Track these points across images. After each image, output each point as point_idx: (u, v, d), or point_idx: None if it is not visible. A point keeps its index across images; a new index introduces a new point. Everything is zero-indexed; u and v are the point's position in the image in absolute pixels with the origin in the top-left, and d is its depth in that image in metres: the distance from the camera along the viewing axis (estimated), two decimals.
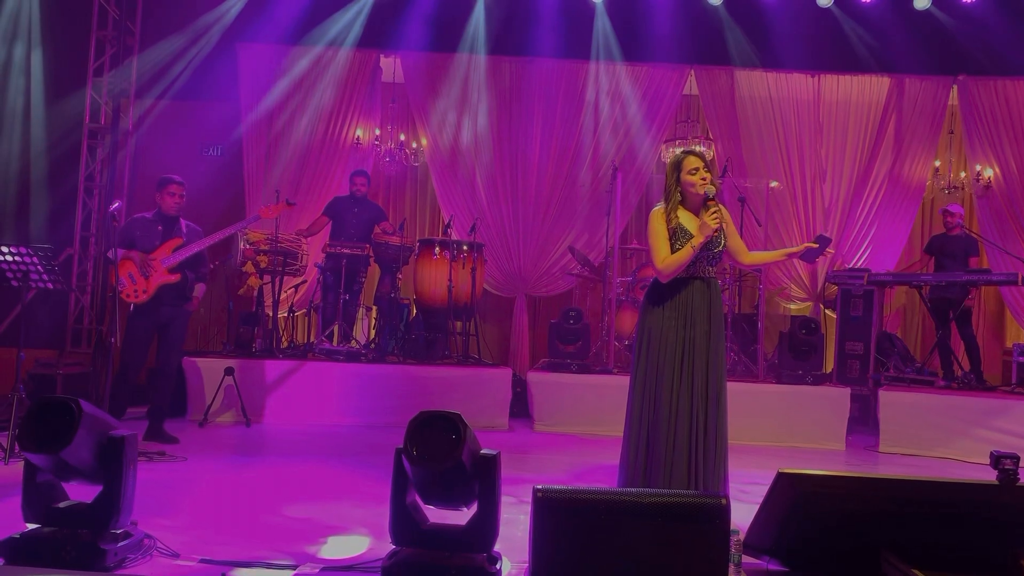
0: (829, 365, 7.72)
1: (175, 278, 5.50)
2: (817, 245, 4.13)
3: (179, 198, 5.62)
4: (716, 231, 3.82)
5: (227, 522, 3.71)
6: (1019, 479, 2.68)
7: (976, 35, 8.11)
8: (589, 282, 8.41)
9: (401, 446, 2.79)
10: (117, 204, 5.31)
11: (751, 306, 8.24)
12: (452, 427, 2.76)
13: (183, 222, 5.69)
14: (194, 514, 3.82)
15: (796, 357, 6.94)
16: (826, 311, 8.36)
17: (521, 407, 7.28)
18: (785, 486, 2.83)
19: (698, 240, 3.84)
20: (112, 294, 5.06)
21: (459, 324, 7.55)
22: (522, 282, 8.52)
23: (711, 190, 3.90)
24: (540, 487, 2.79)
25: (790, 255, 4.31)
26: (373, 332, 7.65)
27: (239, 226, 5.86)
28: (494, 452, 2.90)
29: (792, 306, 8.55)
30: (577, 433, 6.65)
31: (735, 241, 4.12)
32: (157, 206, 5.66)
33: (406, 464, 2.78)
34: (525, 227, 8.42)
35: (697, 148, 8.10)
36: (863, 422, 7.21)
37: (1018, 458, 2.69)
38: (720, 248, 3.99)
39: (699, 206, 3.97)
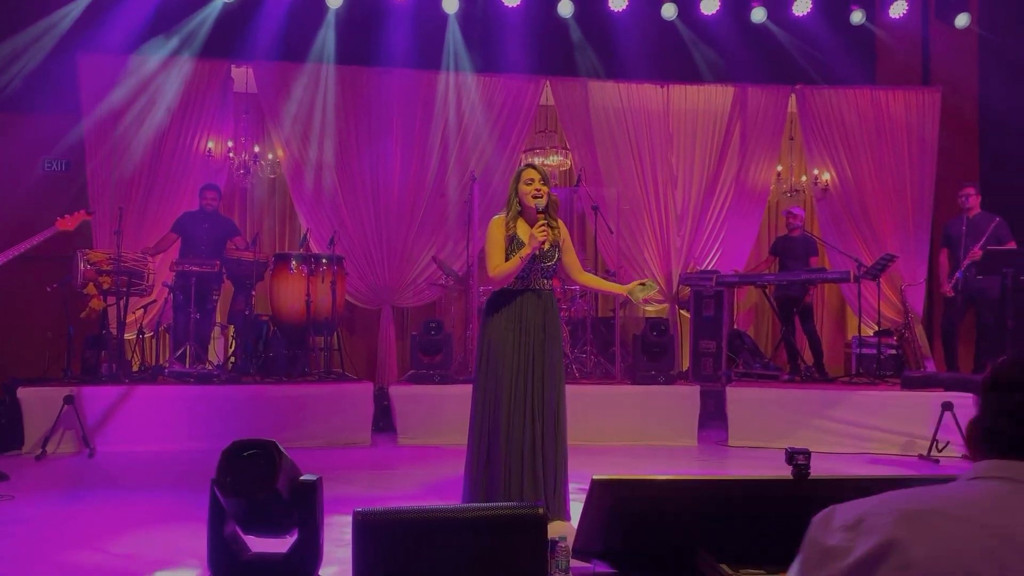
0: (685, 364, 8.03)
1: None
2: (644, 285, 4.11)
3: None
4: (542, 243, 3.91)
5: (48, 563, 3.51)
6: (809, 473, 2.85)
7: (808, 48, 8.64)
8: (454, 292, 8.44)
9: (214, 477, 2.72)
10: None
11: (609, 310, 8.46)
12: (266, 455, 2.71)
13: None
14: (11, 558, 3.60)
15: (649, 358, 7.17)
16: (681, 311, 8.69)
17: (387, 421, 7.22)
18: (600, 493, 2.91)
19: (526, 251, 3.92)
20: None
21: (320, 339, 7.43)
22: (387, 293, 8.46)
23: (541, 203, 3.99)
24: (359, 509, 2.76)
25: (616, 292, 4.43)
26: (231, 351, 7.42)
27: (32, 241, 5.34)
28: (314, 477, 2.87)
29: (649, 308, 8.83)
30: (441, 444, 6.64)
31: (570, 257, 4.21)
32: None
33: (219, 495, 2.71)
34: (388, 237, 8.35)
35: (549, 160, 8.26)
36: (717, 417, 7.52)
37: (809, 453, 2.85)
38: (553, 262, 4.08)
39: (535, 218, 4.05)
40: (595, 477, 2.94)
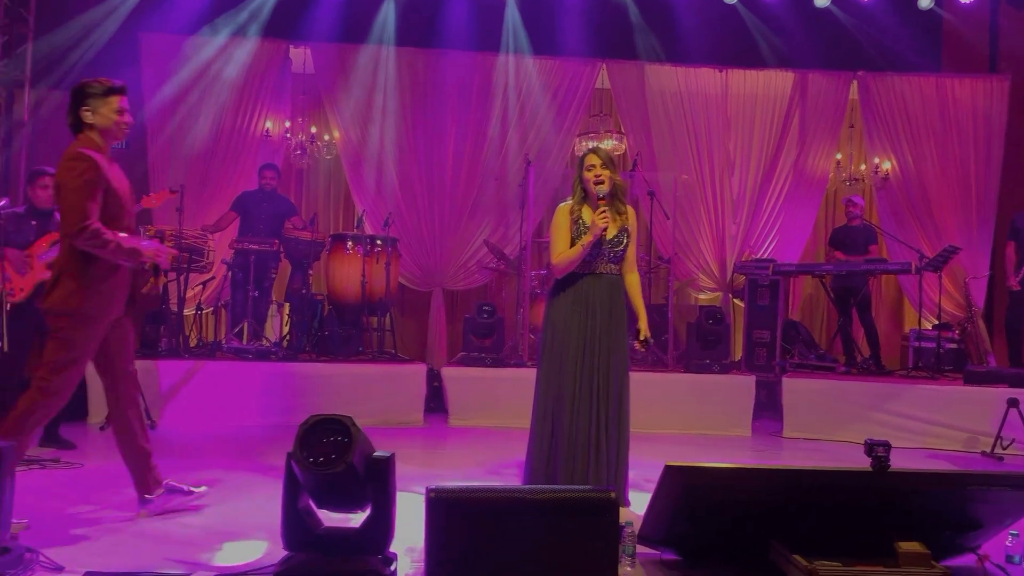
0: (738, 353, 7.94)
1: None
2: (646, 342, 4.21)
3: (51, 190, 5.38)
4: (603, 229, 3.87)
5: (119, 531, 3.59)
6: (890, 465, 2.80)
7: (873, 33, 8.42)
8: (505, 275, 8.44)
9: (291, 451, 2.75)
10: (3, 202, 5.05)
11: (661, 297, 8.40)
12: (342, 430, 2.73)
13: (58, 215, 5.45)
14: (84, 524, 3.69)
15: (704, 346, 7.11)
16: (735, 300, 8.59)
17: (438, 402, 7.27)
18: (673, 479, 2.90)
19: (587, 239, 3.92)
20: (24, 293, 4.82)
21: (374, 320, 7.49)
22: (438, 276, 8.49)
23: (602, 189, 3.98)
24: (432, 487, 2.79)
25: (637, 316, 4.26)
26: (286, 329, 7.52)
27: None
28: (387, 454, 2.89)
29: (702, 296, 8.75)
30: (492, 427, 6.66)
31: (632, 249, 4.17)
32: (28, 200, 5.41)
33: (296, 469, 2.74)
34: (441, 221, 8.38)
35: (603, 144, 8.19)
36: (770, 408, 7.43)
37: (889, 445, 2.81)
38: (621, 247, 4.05)
39: (598, 204, 4.03)
40: (668, 463, 2.93)
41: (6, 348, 4.52)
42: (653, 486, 4.53)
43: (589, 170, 4.03)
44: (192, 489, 3.96)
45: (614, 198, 4.06)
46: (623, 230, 4.05)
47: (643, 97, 8.48)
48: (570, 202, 4.14)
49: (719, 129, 8.58)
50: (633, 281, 4.24)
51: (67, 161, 3.51)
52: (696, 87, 8.55)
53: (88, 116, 3.59)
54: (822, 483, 2.89)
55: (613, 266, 4.05)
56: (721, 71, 8.58)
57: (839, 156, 8.94)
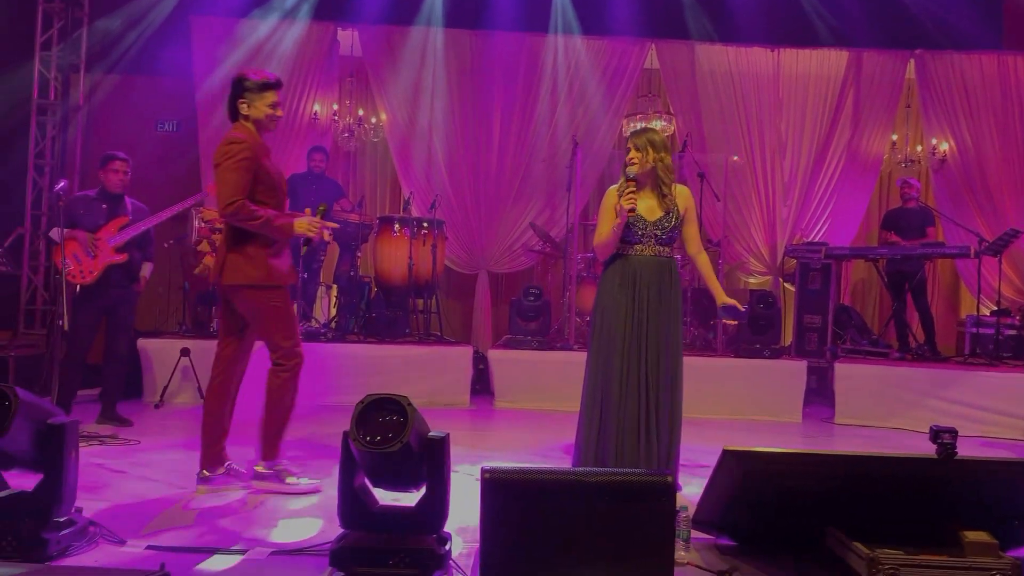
0: (788, 338, 7.81)
1: (122, 258, 5.39)
2: (735, 308, 4.09)
3: (123, 175, 5.47)
4: (629, 211, 3.84)
5: (177, 507, 3.66)
6: (956, 453, 2.72)
7: (933, 10, 8.17)
8: (551, 258, 8.41)
9: (348, 430, 2.76)
10: (63, 184, 5.15)
11: None
12: (399, 410, 2.74)
13: (128, 200, 5.56)
14: (144, 499, 3.77)
15: (754, 331, 7.01)
16: (785, 284, 8.45)
17: (484, 384, 7.29)
18: (730, 464, 2.85)
19: (617, 221, 3.89)
20: (59, 275, 4.93)
21: (420, 302, 7.52)
22: (484, 259, 8.49)
23: (631, 171, 3.99)
24: (488, 468, 2.78)
25: (711, 290, 4.24)
26: (333, 311, 7.58)
27: (186, 204, 5.70)
28: (442, 434, 2.89)
29: (752, 280, 8.62)
30: (538, 409, 6.67)
31: (689, 229, 4.10)
32: (100, 184, 5.51)
33: (353, 448, 2.76)
34: (487, 203, 8.36)
35: (652, 124, 8.09)
36: (820, 394, 7.31)
37: (955, 432, 2.73)
38: (667, 230, 3.99)
39: (644, 181, 3.99)
40: (726, 447, 2.89)
41: (67, 327, 4.61)
42: (703, 471, 4.53)
43: (627, 153, 4.04)
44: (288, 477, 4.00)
45: (657, 181, 4.00)
46: (668, 212, 3.99)
47: (692, 77, 8.35)
48: (617, 185, 4.11)
49: (770, 110, 8.42)
50: (702, 261, 4.19)
51: (223, 145, 3.78)
52: (747, 67, 8.40)
53: (244, 108, 3.84)
54: (885, 470, 2.82)
55: (662, 248, 4.00)
56: (773, 50, 8.41)
57: (894, 137, 8.71)
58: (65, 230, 5.25)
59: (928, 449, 2.79)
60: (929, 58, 8.34)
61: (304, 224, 3.86)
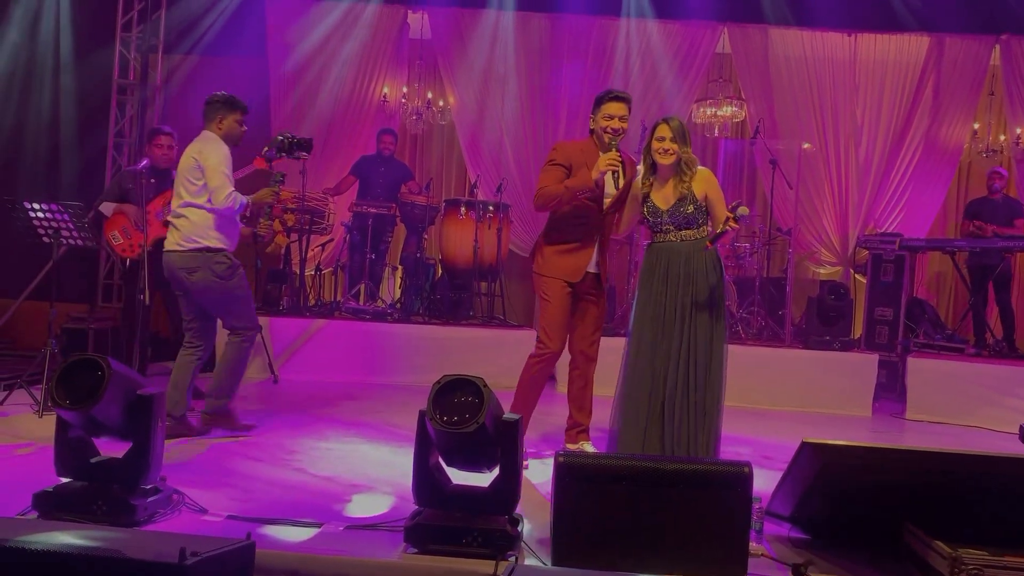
0: (858, 331, 7.64)
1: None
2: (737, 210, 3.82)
3: (167, 149, 5.58)
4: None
5: (254, 479, 3.77)
6: None
7: None
8: (615, 245, 8.34)
9: (424, 409, 2.81)
10: (144, 162, 5.31)
11: (780, 270, 8.15)
12: (475, 391, 2.77)
13: (175, 173, 5.68)
14: (221, 471, 3.89)
15: (824, 323, 6.87)
16: (856, 276, 8.25)
17: None
18: (808, 456, 2.81)
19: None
20: (143, 249, 5.05)
21: (484, 285, 7.56)
22: None
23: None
24: (562, 453, 2.81)
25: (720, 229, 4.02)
26: (399, 292, 7.68)
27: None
28: (516, 416, 2.92)
29: (822, 270, 8.44)
30: (601, 396, 6.63)
31: (717, 210, 3.99)
32: (147, 158, 5.63)
33: (429, 427, 2.80)
34: None
35: (712, 111, 8.00)
36: (890, 389, 7.13)
37: None
38: (686, 213, 3.90)
39: (666, 173, 3.94)
40: (806, 439, 2.85)
41: (148, 301, 4.75)
42: (771, 463, 4.47)
43: (660, 140, 3.94)
44: None
45: (680, 171, 3.92)
46: (682, 198, 3.91)
47: (765, 62, 8.18)
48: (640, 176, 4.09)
49: (845, 96, 8.20)
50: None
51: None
52: (823, 52, 8.19)
53: (592, 123, 4.17)
54: (967, 467, 2.75)
55: (687, 232, 3.95)
56: (850, 35, 8.18)
57: (976, 126, 8.40)
58: (115, 204, 5.36)
59: (1007, 447, 2.71)
60: (1016, 43, 8.02)
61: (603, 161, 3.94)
